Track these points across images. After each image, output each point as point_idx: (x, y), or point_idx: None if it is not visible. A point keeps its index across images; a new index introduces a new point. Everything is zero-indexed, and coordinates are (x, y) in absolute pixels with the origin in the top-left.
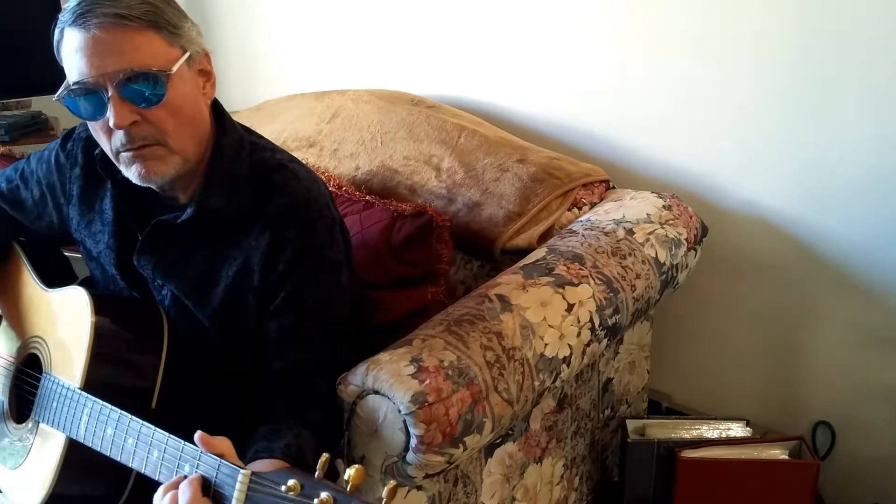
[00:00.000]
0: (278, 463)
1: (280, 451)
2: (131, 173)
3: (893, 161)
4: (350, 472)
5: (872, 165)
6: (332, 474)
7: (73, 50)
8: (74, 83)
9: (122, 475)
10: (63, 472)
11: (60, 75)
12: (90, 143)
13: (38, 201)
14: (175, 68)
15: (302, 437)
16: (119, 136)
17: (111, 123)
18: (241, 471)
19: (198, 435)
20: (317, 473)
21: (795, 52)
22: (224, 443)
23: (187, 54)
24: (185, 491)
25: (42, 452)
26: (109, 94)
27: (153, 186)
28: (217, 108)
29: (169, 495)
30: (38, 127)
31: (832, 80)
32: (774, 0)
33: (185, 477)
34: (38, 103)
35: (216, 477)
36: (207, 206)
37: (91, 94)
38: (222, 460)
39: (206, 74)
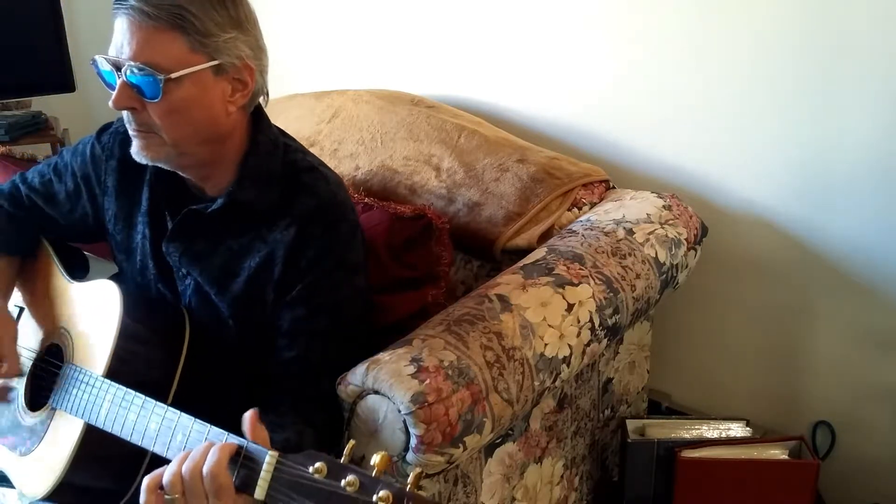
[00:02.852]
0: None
1: (279, 445)
2: (132, 148)
3: (893, 161)
4: (376, 459)
5: (872, 165)
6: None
7: (115, 26)
8: (105, 55)
9: (133, 466)
10: (76, 460)
11: (60, 75)
12: (128, 136)
13: (72, 193)
14: (180, 73)
15: (303, 434)
16: (126, 116)
17: (110, 102)
18: (269, 451)
19: (248, 417)
20: (343, 458)
21: (795, 52)
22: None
23: (214, 62)
24: (214, 453)
25: (55, 440)
26: (119, 77)
27: (149, 163)
28: (257, 110)
29: (196, 451)
30: (38, 127)
31: (832, 80)
32: (775, 0)
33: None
34: (38, 103)
35: (242, 456)
36: (238, 198)
37: (111, 70)
38: (249, 442)
39: (242, 84)
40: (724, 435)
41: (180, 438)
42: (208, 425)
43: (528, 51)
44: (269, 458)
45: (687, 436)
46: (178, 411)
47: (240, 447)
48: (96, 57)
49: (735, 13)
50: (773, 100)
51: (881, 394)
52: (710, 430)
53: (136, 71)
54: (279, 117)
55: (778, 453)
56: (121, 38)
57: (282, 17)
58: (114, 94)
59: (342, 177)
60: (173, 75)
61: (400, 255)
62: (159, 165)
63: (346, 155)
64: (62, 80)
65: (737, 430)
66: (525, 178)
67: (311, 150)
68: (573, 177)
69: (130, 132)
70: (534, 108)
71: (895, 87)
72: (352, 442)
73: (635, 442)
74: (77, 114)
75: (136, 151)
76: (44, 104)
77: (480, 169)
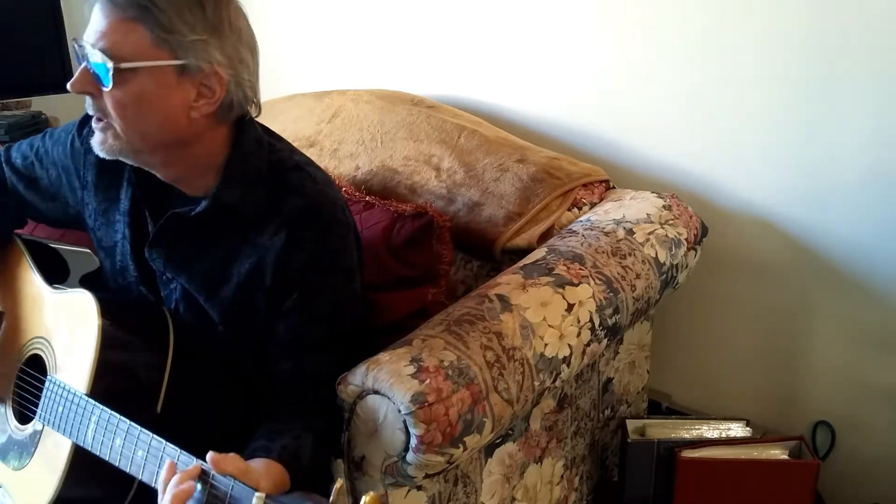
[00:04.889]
0: (274, 464)
1: (277, 453)
2: (92, 141)
3: (893, 161)
4: (365, 500)
5: (872, 165)
6: (328, 475)
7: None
8: (77, 39)
9: (127, 478)
10: (70, 476)
11: (61, 75)
12: None
13: (54, 181)
14: (133, 65)
15: (301, 439)
16: (87, 100)
17: (68, 83)
18: (256, 493)
19: (210, 455)
20: (331, 498)
21: (796, 52)
22: (234, 461)
23: (178, 62)
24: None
25: (47, 455)
26: (83, 61)
27: (106, 157)
28: (241, 116)
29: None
30: (38, 127)
31: (832, 80)
32: (775, 1)
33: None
34: (38, 103)
35: (228, 498)
36: (222, 200)
37: (81, 53)
38: (236, 481)
39: (209, 91)
40: (724, 435)
41: None
42: (194, 459)
43: (528, 51)
44: (255, 501)
45: (687, 436)
46: (163, 441)
47: (224, 491)
48: (73, 40)
49: (736, 14)
50: (774, 100)
51: (881, 394)
52: (710, 430)
53: (95, 56)
54: (279, 117)
55: (778, 453)
56: (92, 24)
57: (282, 17)
58: (74, 75)
59: (342, 177)
60: (124, 65)
61: (400, 254)
62: (119, 160)
63: (346, 155)
64: (62, 80)
65: (737, 430)
66: (525, 178)
67: (311, 150)
68: (573, 177)
69: (93, 123)
70: (534, 108)
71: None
72: (340, 481)
73: (635, 442)
74: (77, 114)
75: (95, 144)
76: (44, 104)
77: (480, 169)
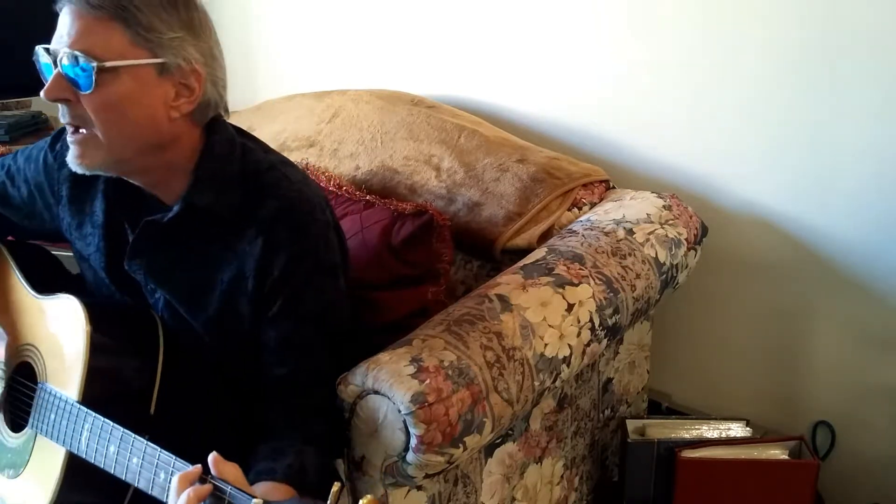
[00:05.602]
0: (281, 487)
1: (282, 473)
2: (69, 157)
3: (893, 161)
4: (362, 502)
5: (872, 165)
6: (332, 476)
7: (58, 21)
8: (46, 45)
9: (122, 485)
10: (65, 484)
11: None
12: None
13: (27, 200)
14: (115, 63)
15: (304, 453)
16: (61, 110)
17: (41, 91)
18: (253, 499)
19: (212, 456)
20: (329, 501)
21: (796, 52)
22: (234, 469)
23: (158, 60)
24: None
25: (42, 463)
26: (56, 68)
27: (86, 172)
28: (213, 118)
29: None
30: (38, 127)
31: (833, 80)
32: (776, 1)
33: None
34: (38, 103)
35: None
36: (195, 203)
37: (49, 62)
38: (232, 487)
39: (188, 90)
40: (724, 435)
41: (163, 476)
42: (189, 465)
43: (528, 51)
44: None
45: (687, 436)
46: (157, 447)
47: (221, 494)
48: (38, 48)
49: (737, 14)
50: (774, 100)
51: (881, 394)
52: (710, 430)
53: (71, 59)
54: (279, 117)
55: (778, 453)
56: (62, 29)
57: (282, 17)
58: (46, 84)
59: (342, 177)
60: (107, 64)
61: (400, 253)
62: (98, 174)
63: (347, 155)
64: None
65: (737, 430)
66: (525, 178)
67: (311, 149)
68: (573, 177)
69: (68, 137)
70: (534, 108)
71: None
72: (337, 485)
73: (635, 442)
74: None
75: (72, 160)
76: (44, 104)
77: (480, 169)
